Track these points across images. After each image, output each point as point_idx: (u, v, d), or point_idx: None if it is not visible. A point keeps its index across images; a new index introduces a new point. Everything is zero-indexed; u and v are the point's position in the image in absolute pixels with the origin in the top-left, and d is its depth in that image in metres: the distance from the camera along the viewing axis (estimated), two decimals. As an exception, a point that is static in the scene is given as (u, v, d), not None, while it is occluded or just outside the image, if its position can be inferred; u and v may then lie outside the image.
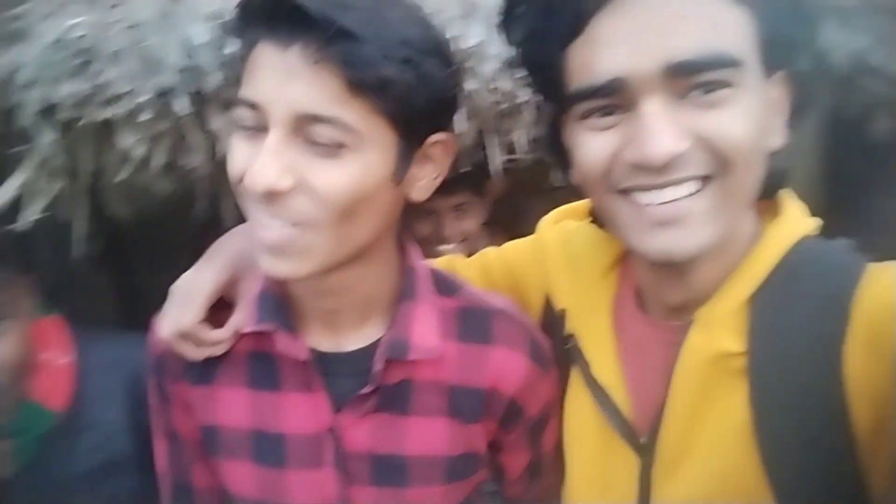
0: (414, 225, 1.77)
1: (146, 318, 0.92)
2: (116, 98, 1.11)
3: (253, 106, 0.71)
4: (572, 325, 0.89)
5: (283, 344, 0.85)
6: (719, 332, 0.72)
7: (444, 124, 0.82)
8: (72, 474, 1.07)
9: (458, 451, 0.90)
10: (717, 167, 0.65)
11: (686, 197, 0.66)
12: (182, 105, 1.12)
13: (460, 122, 1.28)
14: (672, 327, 0.77)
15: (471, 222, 1.76)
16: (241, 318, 0.88)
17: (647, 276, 0.81)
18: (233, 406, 0.91)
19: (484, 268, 1.09)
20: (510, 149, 1.43)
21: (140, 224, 1.62)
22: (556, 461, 0.95)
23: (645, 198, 0.68)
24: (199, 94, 1.15)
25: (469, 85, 1.26)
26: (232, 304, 0.91)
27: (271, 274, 0.76)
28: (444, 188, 1.61)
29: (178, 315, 0.87)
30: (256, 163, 0.69)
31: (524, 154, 1.41)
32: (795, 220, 0.74)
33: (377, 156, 0.74)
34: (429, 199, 1.71)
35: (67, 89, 1.09)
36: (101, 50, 1.11)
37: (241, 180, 0.73)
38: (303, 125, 0.70)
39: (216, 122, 1.18)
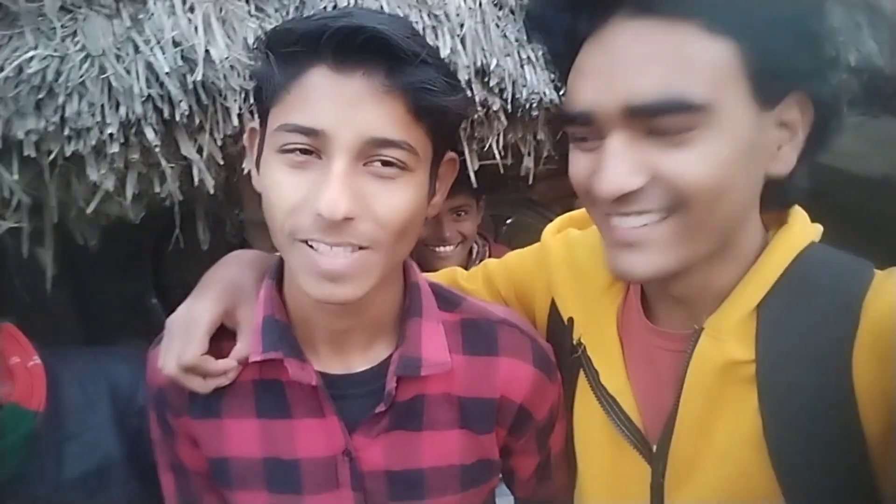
0: None
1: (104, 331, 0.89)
2: (82, 131, 1.07)
3: (311, 133, 0.70)
4: (579, 333, 0.90)
5: (292, 370, 0.84)
6: (728, 340, 0.72)
7: (454, 143, 0.86)
8: (63, 482, 1.06)
9: (472, 459, 0.91)
10: (676, 203, 0.65)
11: (646, 225, 0.67)
12: (151, 135, 1.09)
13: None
14: (680, 336, 0.77)
15: (469, 224, 1.79)
16: (245, 347, 0.87)
17: (651, 287, 0.82)
18: (243, 437, 0.90)
19: (487, 279, 1.10)
20: (485, 155, 1.44)
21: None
22: (565, 462, 0.98)
23: (615, 220, 0.70)
24: (167, 123, 1.12)
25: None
26: (231, 333, 0.90)
27: (328, 300, 0.76)
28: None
29: (181, 349, 0.85)
30: (328, 191, 0.69)
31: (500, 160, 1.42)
32: (801, 229, 0.75)
33: (423, 176, 0.77)
34: None
35: (30, 125, 1.05)
36: (61, 82, 1.06)
37: (293, 211, 0.72)
38: (368, 150, 0.71)
39: (186, 149, 1.15)
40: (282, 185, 0.73)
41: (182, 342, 0.85)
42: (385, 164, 0.73)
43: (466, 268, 1.85)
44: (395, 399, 0.86)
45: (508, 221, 3.09)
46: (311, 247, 0.74)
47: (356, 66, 0.70)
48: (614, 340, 0.85)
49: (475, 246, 1.90)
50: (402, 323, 0.88)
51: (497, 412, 0.91)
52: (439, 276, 1.15)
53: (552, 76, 1.40)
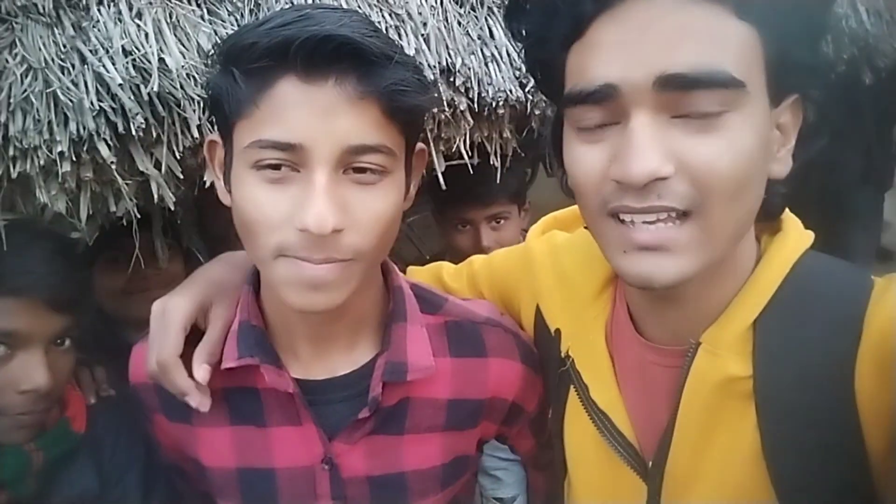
0: (453, 237, 1.73)
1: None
2: (29, 150, 0.99)
3: (288, 147, 0.68)
4: (567, 346, 0.87)
5: (269, 377, 0.82)
6: (726, 355, 0.70)
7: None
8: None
9: (452, 457, 0.91)
10: (699, 200, 0.61)
11: (668, 225, 0.63)
12: (105, 151, 1.02)
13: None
14: (674, 351, 0.75)
15: (509, 232, 1.72)
16: (208, 347, 0.85)
17: (640, 301, 0.79)
18: (216, 446, 0.89)
19: (471, 278, 1.08)
20: (451, 156, 1.41)
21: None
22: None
23: (627, 218, 0.64)
24: (122, 137, 1.04)
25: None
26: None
27: (310, 309, 0.74)
28: (480, 199, 1.59)
29: (159, 346, 0.83)
30: (313, 207, 0.68)
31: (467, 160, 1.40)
32: (796, 238, 0.73)
33: (400, 174, 0.77)
34: (465, 210, 1.70)
35: (-31, 146, 0.97)
36: (2, 98, 0.98)
37: (277, 228, 0.70)
38: (347, 159, 0.70)
39: (143, 164, 1.09)
40: (262, 203, 0.71)
41: (159, 339, 0.84)
42: (363, 170, 0.71)
43: None
44: (381, 405, 0.85)
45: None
46: (292, 259, 0.72)
47: (327, 74, 0.68)
48: (603, 354, 0.82)
49: None
50: (386, 327, 0.87)
51: (485, 410, 0.91)
52: (425, 271, 1.14)
53: (517, 73, 1.38)
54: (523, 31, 0.73)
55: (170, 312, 0.85)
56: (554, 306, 0.91)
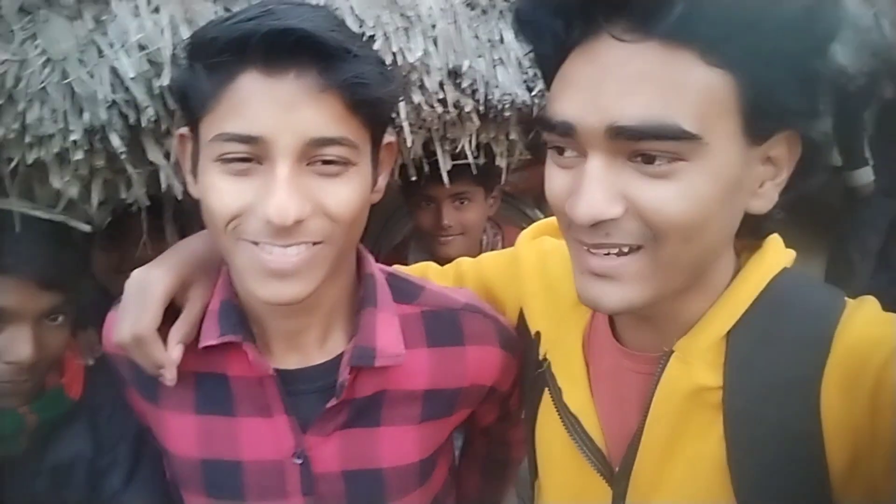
0: (417, 215, 1.75)
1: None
2: (44, 138, 1.04)
3: (250, 140, 0.69)
4: (545, 349, 0.89)
5: (252, 355, 0.81)
6: (697, 365, 0.71)
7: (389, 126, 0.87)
8: (41, 468, 1.12)
9: (430, 450, 0.91)
10: (649, 238, 0.63)
11: (619, 255, 0.65)
12: (116, 142, 1.06)
13: (407, 134, 1.27)
14: (647, 358, 0.76)
15: (472, 214, 1.72)
16: (185, 326, 0.83)
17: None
18: (179, 433, 0.87)
19: (458, 278, 1.09)
20: (457, 155, 1.44)
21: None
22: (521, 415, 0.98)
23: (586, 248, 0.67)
24: (133, 128, 1.09)
25: (415, 97, 1.24)
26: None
27: (276, 301, 0.74)
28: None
29: (136, 317, 0.80)
30: (274, 198, 0.69)
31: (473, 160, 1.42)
32: (774, 255, 0.74)
33: (365, 166, 0.77)
34: (429, 187, 1.64)
35: (-12, 132, 1.01)
36: (21, 88, 1.03)
37: (233, 219, 0.72)
38: (310, 151, 0.71)
39: (154, 154, 1.13)
40: (224, 193, 0.72)
41: (137, 309, 0.81)
42: (328, 162, 0.72)
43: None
44: (354, 395, 0.84)
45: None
46: (256, 244, 0.72)
47: (287, 67, 0.69)
48: (579, 359, 0.84)
49: (485, 237, 1.82)
50: (356, 314, 0.86)
51: (462, 397, 0.92)
52: (411, 271, 1.15)
53: (524, 76, 1.40)
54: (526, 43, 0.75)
55: (151, 285, 0.82)
56: (536, 310, 0.93)
